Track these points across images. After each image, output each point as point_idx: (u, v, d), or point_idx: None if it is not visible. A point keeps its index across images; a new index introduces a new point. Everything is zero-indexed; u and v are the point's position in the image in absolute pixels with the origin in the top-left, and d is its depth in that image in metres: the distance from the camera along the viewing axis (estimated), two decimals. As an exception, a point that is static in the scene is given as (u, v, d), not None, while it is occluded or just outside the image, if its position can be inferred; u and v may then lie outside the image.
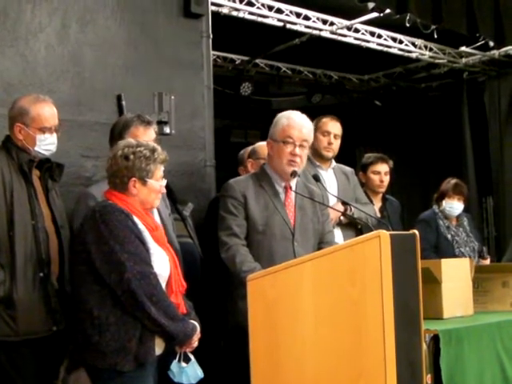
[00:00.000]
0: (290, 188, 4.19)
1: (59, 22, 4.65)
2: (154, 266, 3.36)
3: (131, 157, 3.40)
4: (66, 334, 3.60)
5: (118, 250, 3.25)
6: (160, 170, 3.49)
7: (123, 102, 4.77)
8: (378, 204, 5.84)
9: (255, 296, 3.43)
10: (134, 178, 3.41)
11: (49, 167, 3.84)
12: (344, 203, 4.84)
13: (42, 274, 3.62)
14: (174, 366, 3.44)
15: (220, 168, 5.42)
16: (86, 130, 4.63)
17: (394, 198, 6.22)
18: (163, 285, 3.40)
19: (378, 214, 5.69)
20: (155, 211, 4.01)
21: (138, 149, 3.43)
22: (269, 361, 3.37)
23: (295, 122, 4.19)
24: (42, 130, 3.76)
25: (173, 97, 5.00)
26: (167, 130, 4.94)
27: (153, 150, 3.46)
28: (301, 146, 4.16)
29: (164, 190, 3.60)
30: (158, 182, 3.48)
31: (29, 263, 3.59)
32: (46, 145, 3.78)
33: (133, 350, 3.26)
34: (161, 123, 4.83)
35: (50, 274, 3.66)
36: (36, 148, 3.76)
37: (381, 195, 5.92)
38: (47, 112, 3.79)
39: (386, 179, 5.87)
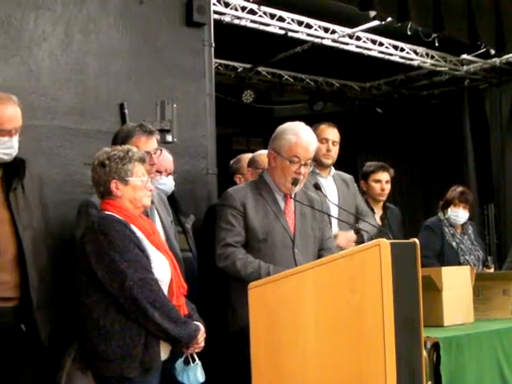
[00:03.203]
0: (290, 196, 4.20)
1: (62, 30, 4.66)
2: (155, 271, 3.39)
3: (106, 162, 3.48)
4: (63, 341, 3.62)
5: (118, 259, 3.30)
6: (140, 168, 3.53)
7: (126, 111, 4.79)
8: (378, 212, 5.87)
9: (257, 304, 3.44)
10: (114, 180, 3.47)
11: (12, 164, 3.66)
12: (357, 231, 4.81)
13: None
14: (178, 364, 3.50)
15: (222, 176, 5.43)
16: (89, 138, 4.63)
17: (395, 206, 6.24)
18: (165, 289, 3.44)
19: (379, 222, 5.73)
20: (156, 218, 4.04)
21: (113, 153, 3.51)
22: (270, 369, 3.39)
23: (303, 141, 4.13)
24: (1, 133, 3.56)
25: (175, 105, 5.02)
26: (169, 138, 4.96)
27: (127, 151, 3.53)
28: (305, 164, 4.15)
29: (152, 187, 3.63)
30: (138, 178, 3.52)
31: None
32: (5, 148, 3.59)
33: (138, 356, 3.30)
34: (163, 131, 4.86)
35: None
36: None
37: (382, 203, 5.94)
38: (8, 113, 3.57)
39: (387, 187, 5.89)
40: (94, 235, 3.37)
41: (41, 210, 3.80)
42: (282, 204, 4.21)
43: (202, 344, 3.51)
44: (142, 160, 3.56)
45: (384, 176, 5.88)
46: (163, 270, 3.46)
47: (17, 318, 3.58)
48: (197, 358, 3.49)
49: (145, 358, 3.31)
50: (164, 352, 3.44)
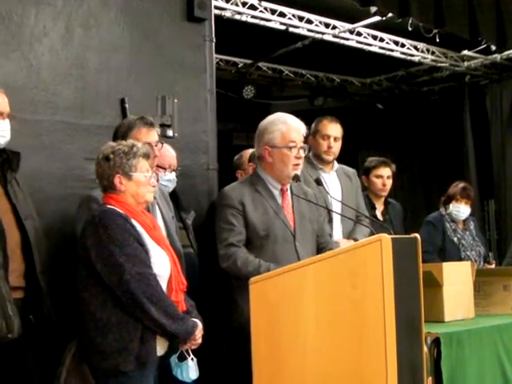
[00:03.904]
0: (287, 190, 4.21)
1: (63, 26, 4.65)
2: (155, 266, 3.41)
3: (111, 156, 3.49)
4: (64, 335, 3.61)
5: (117, 253, 3.31)
6: (144, 163, 3.55)
7: (126, 106, 4.78)
8: (380, 207, 5.88)
9: (257, 299, 3.44)
10: (118, 175, 3.48)
11: (6, 158, 3.71)
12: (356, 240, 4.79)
13: None
14: (172, 359, 3.51)
15: (223, 171, 5.43)
16: (90, 133, 4.63)
17: (396, 202, 6.25)
18: (164, 284, 3.45)
19: (381, 218, 5.73)
20: (158, 214, 4.04)
21: (117, 147, 3.53)
22: (271, 363, 3.39)
23: (293, 126, 4.19)
24: None
25: (176, 100, 5.01)
26: (170, 133, 4.95)
27: (131, 146, 3.55)
28: (301, 147, 4.19)
29: (155, 183, 3.65)
30: (142, 174, 3.53)
31: None
32: (1, 131, 3.63)
33: (134, 351, 3.32)
34: (164, 126, 4.85)
35: (6, 276, 3.43)
36: None
37: (383, 199, 5.95)
38: None
39: (389, 183, 5.90)
40: (94, 228, 3.38)
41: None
42: (279, 199, 4.21)
43: (200, 341, 3.51)
44: (146, 156, 3.57)
45: (385, 171, 5.89)
46: (163, 265, 3.47)
47: (25, 310, 3.58)
48: (192, 355, 3.50)
49: (141, 352, 3.33)
50: (161, 347, 3.45)
